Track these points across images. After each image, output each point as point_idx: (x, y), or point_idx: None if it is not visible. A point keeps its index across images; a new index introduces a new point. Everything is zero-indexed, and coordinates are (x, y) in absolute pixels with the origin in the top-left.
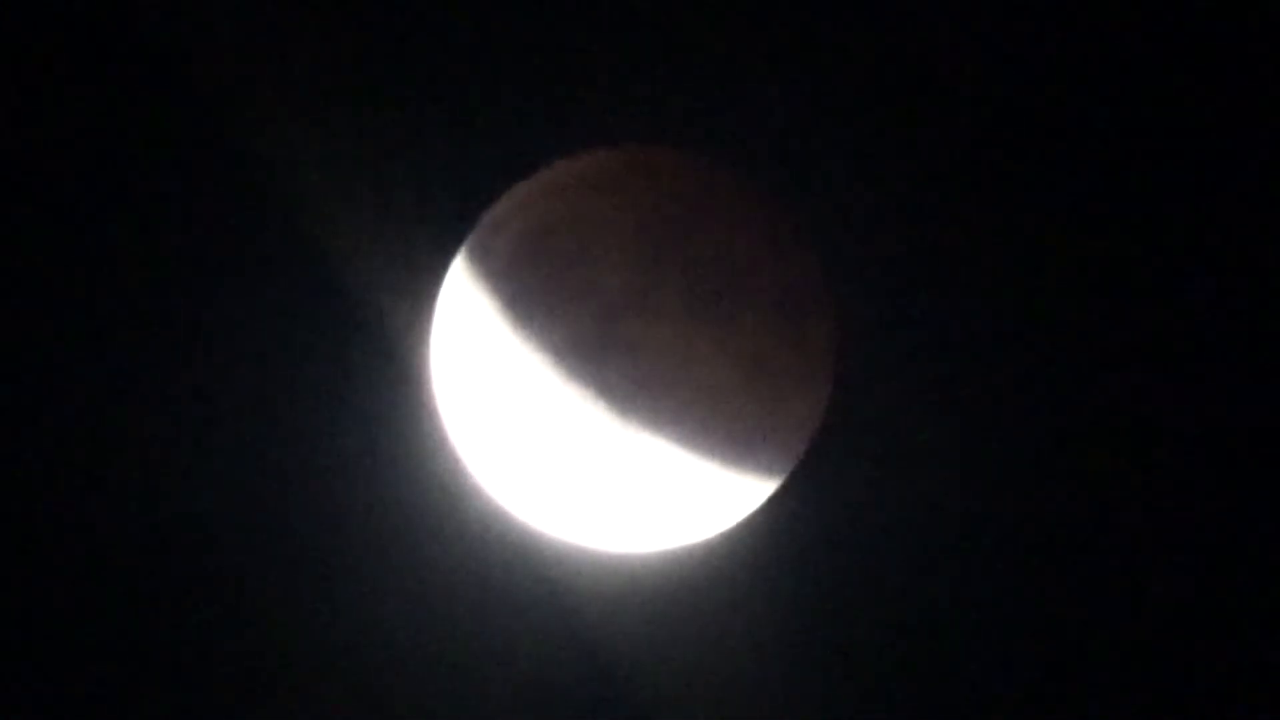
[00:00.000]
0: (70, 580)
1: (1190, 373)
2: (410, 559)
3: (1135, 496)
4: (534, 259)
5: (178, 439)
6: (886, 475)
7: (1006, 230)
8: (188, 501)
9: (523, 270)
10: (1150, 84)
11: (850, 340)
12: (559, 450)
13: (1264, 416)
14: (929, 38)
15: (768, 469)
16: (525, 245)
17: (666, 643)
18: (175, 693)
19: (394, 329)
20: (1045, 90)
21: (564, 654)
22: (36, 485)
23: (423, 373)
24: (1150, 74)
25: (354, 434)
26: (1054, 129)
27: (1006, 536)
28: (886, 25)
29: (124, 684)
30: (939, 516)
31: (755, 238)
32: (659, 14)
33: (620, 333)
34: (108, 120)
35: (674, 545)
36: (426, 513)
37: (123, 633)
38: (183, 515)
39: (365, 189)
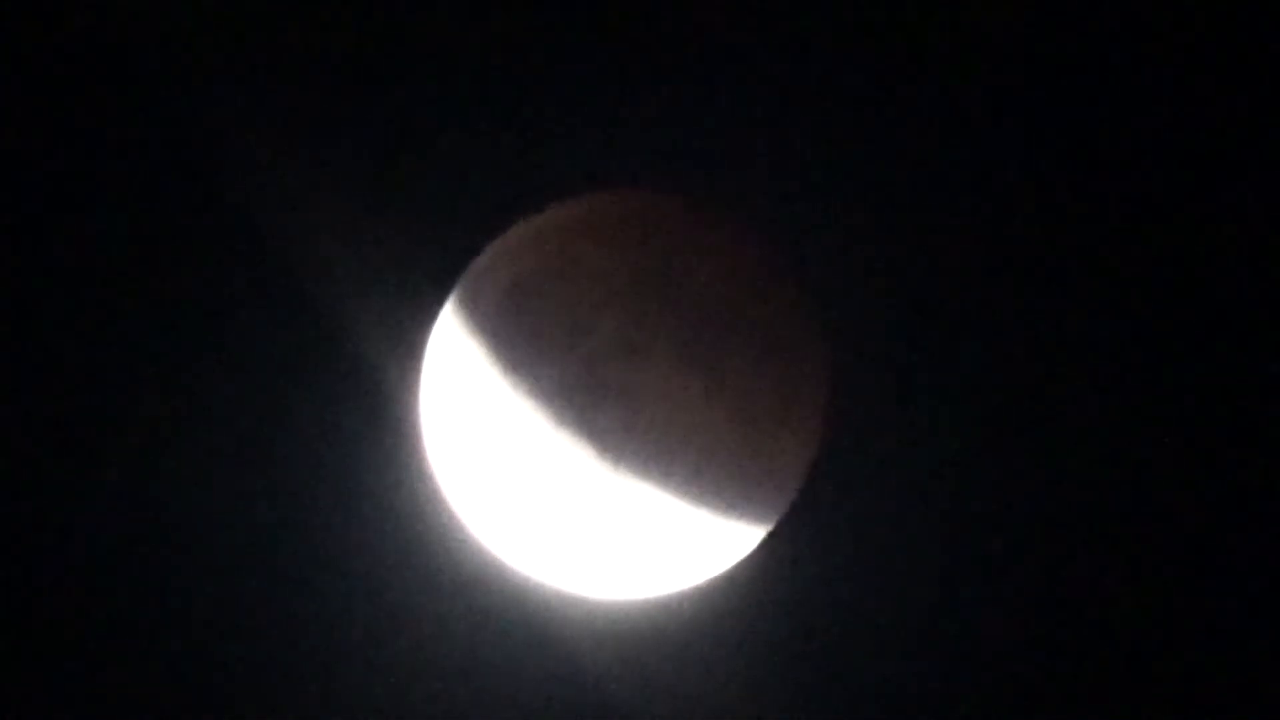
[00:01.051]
0: (58, 627)
1: (1200, 388)
2: (401, 607)
3: (1143, 529)
4: (523, 305)
5: (165, 490)
6: (880, 518)
7: (999, 272)
8: (175, 553)
9: (512, 316)
10: (1148, 105)
11: (841, 385)
12: (550, 497)
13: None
14: (918, 81)
15: (760, 514)
16: (515, 291)
17: (659, 690)
18: None
19: (383, 376)
20: (1037, 126)
21: (556, 702)
22: (33, 526)
23: (412, 420)
24: (1148, 95)
25: (343, 482)
26: (1048, 164)
27: (1005, 578)
28: (876, 68)
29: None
30: (934, 558)
31: (745, 282)
32: (648, 60)
33: (611, 378)
34: (97, 165)
35: (666, 591)
36: (417, 560)
37: (110, 683)
38: (170, 567)
39: (355, 233)
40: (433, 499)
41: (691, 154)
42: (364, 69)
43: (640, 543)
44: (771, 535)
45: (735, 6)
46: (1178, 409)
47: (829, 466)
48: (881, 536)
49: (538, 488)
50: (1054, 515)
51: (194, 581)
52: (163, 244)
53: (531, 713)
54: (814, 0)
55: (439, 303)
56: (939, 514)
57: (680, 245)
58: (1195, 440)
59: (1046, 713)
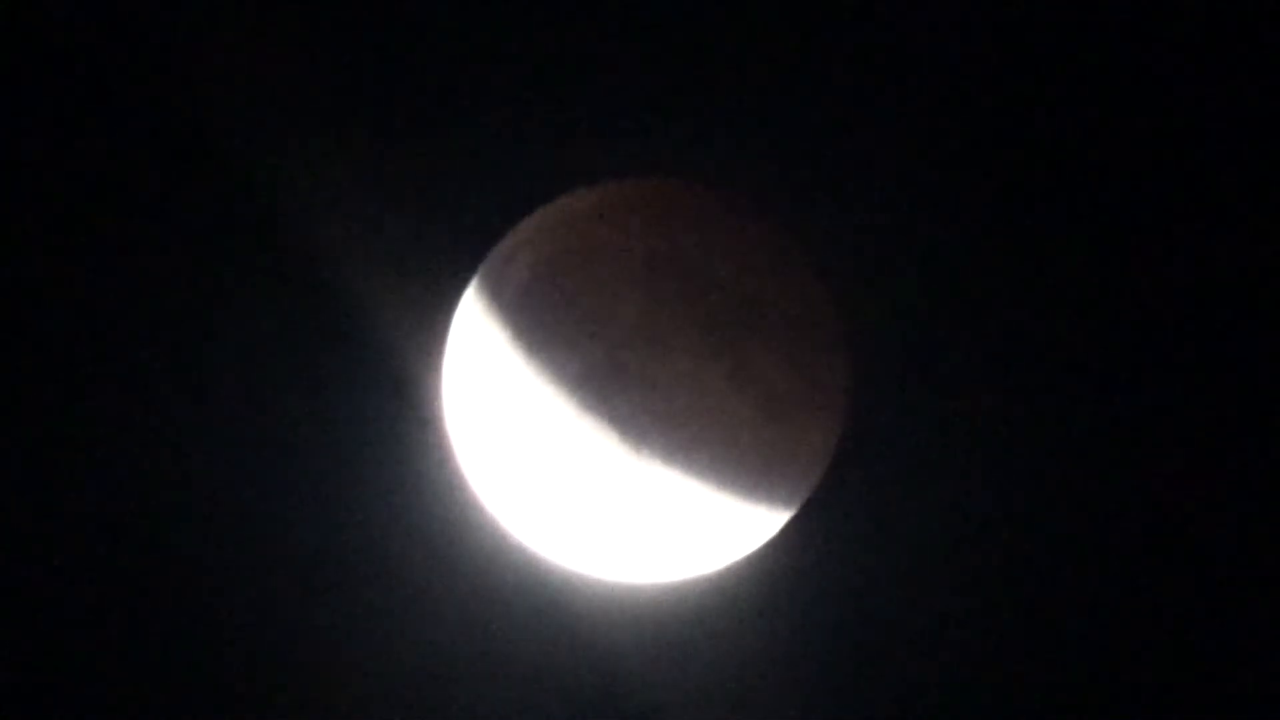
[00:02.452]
0: (79, 608)
1: (1210, 389)
2: (422, 590)
3: (1156, 516)
4: (546, 290)
5: (185, 470)
6: (900, 504)
7: (1020, 257)
8: (195, 533)
9: (534, 302)
10: (1169, 97)
11: (862, 370)
12: (572, 481)
13: None
14: (940, 69)
15: (781, 499)
16: (537, 277)
17: (680, 674)
18: None
19: (406, 360)
20: (1059, 113)
21: (577, 686)
22: (50, 513)
23: (435, 404)
24: (1169, 87)
25: (365, 466)
26: (1069, 153)
27: (1023, 564)
28: (897, 55)
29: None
30: (954, 544)
31: (766, 269)
32: (669, 46)
33: (632, 364)
34: (115, 153)
35: (687, 576)
36: (438, 544)
37: (128, 670)
38: (190, 547)
39: (377, 221)
40: (455, 484)
41: (712, 142)
42: (386, 57)
43: (662, 527)
44: (793, 521)
45: None
46: (1199, 399)
47: (850, 453)
48: (902, 523)
49: (560, 472)
50: (1075, 500)
51: (213, 564)
52: (187, 233)
53: (552, 696)
54: None
55: (461, 289)
56: (960, 501)
57: (703, 232)
58: (1216, 431)
59: (1067, 696)
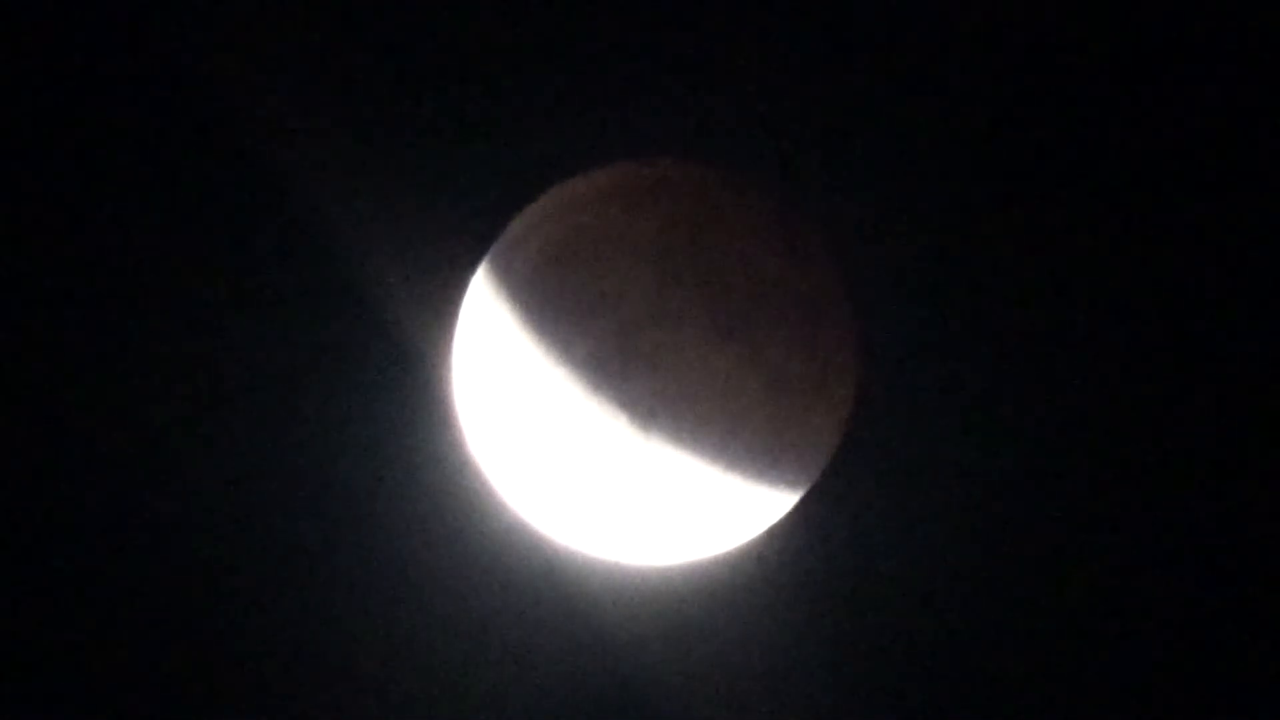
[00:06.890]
0: (92, 594)
1: (1215, 385)
2: (432, 573)
3: (1162, 508)
4: (555, 273)
5: (196, 452)
6: (908, 487)
7: (1029, 241)
8: (206, 516)
9: (544, 284)
10: (1170, 84)
11: (871, 353)
12: (581, 463)
13: None
14: (949, 49)
15: (789, 481)
16: (547, 259)
17: (688, 655)
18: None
19: (416, 343)
20: (1064, 96)
21: (586, 667)
22: (60, 501)
23: (445, 386)
24: (1169, 74)
25: (376, 448)
26: (1075, 135)
27: (1028, 549)
28: (906, 37)
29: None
30: (960, 529)
31: (776, 251)
32: (678, 29)
33: (642, 346)
34: (129, 136)
35: (696, 558)
36: (448, 526)
37: (140, 656)
38: (200, 530)
39: (387, 204)
40: (465, 466)
41: (723, 124)
42: (395, 41)
43: (670, 509)
44: (801, 502)
45: None
46: (1206, 390)
47: (860, 435)
48: (910, 506)
49: (569, 454)
50: (1083, 485)
51: (224, 546)
52: (203, 216)
53: (562, 677)
54: None
55: (471, 271)
56: (967, 485)
57: (712, 214)
58: (1224, 421)
59: (1075, 678)
